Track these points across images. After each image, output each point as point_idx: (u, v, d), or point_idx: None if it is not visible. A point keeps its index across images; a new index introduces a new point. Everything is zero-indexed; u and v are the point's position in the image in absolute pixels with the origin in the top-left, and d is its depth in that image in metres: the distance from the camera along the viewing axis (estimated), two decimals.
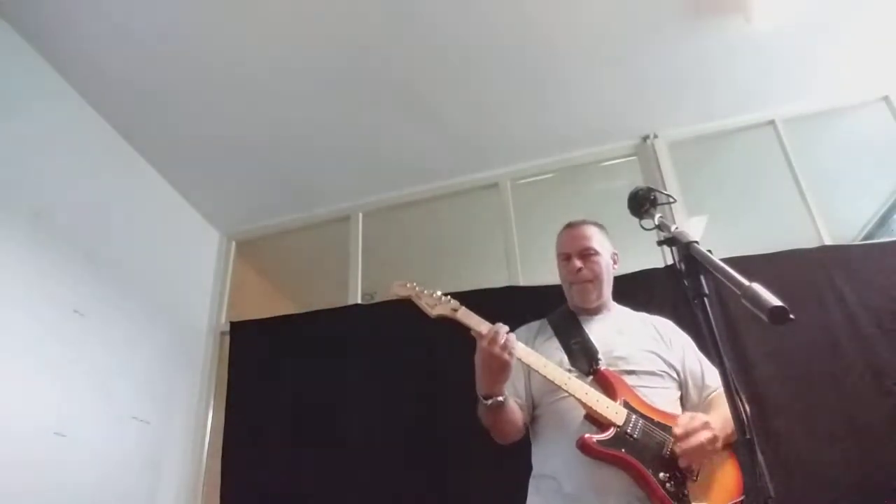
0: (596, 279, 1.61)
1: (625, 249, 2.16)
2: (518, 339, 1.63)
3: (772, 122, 2.70)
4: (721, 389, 1.47)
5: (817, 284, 2.17)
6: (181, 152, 2.67)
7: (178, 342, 2.71)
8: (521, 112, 2.62)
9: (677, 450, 1.30)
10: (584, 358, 1.50)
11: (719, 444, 1.32)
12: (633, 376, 1.46)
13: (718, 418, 1.35)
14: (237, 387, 2.69)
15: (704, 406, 1.50)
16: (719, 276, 0.93)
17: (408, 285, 1.57)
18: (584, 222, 1.70)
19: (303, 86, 2.40)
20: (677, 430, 1.32)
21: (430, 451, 2.26)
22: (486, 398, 1.40)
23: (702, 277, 1.00)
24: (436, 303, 1.52)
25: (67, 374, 2.01)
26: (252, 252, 3.32)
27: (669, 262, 2.26)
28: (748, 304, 0.85)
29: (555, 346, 1.56)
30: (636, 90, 2.55)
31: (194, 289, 2.96)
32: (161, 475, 2.42)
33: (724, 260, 0.95)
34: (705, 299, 0.99)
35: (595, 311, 1.64)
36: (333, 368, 2.55)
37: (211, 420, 2.75)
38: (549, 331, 1.64)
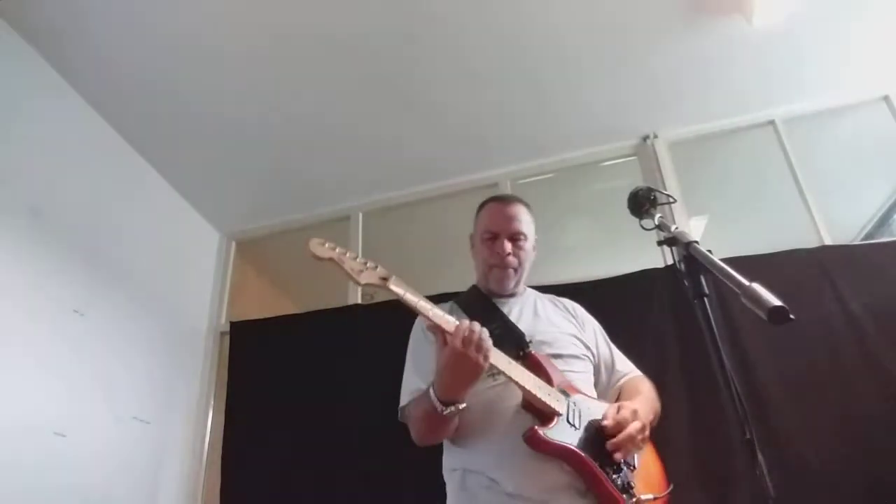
0: (520, 267, 1.51)
1: (625, 249, 2.16)
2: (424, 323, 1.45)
3: (772, 122, 2.71)
4: (632, 375, 1.49)
5: (817, 284, 2.17)
6: (181, 152, 2.67)
7: (178, 342, 2.71)
8: (521, 112, 2.62)
9: (609, 445, 1.22)
10: (510, 343, 1.35)
11: (647, 433, 1.28)
12: (560, 360, 1.38)
13: (640, 404, 1.32)
14: (237, 387, 2.69)
15: (614, 393, 1.46)
16: (719, 275, 0.93)
17: (326, 245, 1.28)
18: (515, 200, 1.58)
19: (303, 85, 2.40)
20: (607, 423, 1.25)
21: (430, 451, 2.26)
22: (446, 404, 1.20)
23: (702, 277, 0.99)
24: (361, 268, 1.26)
25: (67, 374, 2.01)
26: (252, 252, 3.32)
27: (669, 262, 2.26)
28: (748, 304, 0.85)
29: None
30: (636, 90, 2.55)
31: (194, 289, 2.96)
32: (161, 475, 2.42)
33: (724, 260, 0.95)
34: (705, 299, 0.99)
35: (508, 294, 1.54)
36: (333, 368, 2.55)
37: (211, 420, 2.75)
38: (463, 316, 1.41)
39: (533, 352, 1.36)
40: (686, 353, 2.12)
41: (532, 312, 1.51)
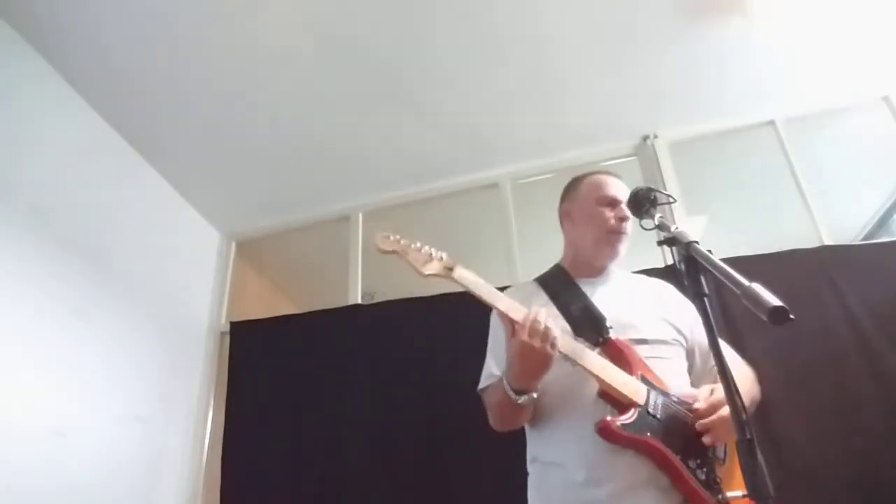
0: (627, 240, 1.49)
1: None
2: None
3: (772, 122, 2.70)
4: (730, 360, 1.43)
5: (817, 284, 2.17)
6: (181, 152, 2.67)
7: (178, 342, 2.71)
8: (521, 112, 2.62)
9: (699, 426, 1.17)
10: (589, 326, 1.32)
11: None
12: (645, 346, 1.31)
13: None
14: (237, 387, 2.69)
15: (710, 378, 1.36)
16: (719, 275, 0.93)
17: (392, 238, 1.35)
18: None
19: (303, 85, 2.40)
20: (699, 405, 1.20)
21: (430, 450, 2.26)
22: (519, 393, 1.21)
23: (702, 277, 0.99)
24: (426, 259, 1.30)
25: (67, 373, 2.01)
26: (252, 252, 3.32)
27: (669, 262, 2.25)
28: (748, 304, 0.85)
29: (552, 315, 1.34)
30: (636, 90, 2.55)
31: (194, 289, 2.96)
32: (161, 475, 2.42)
33: (724, 260, 0.95)
34: (705, 299, 0.99)
35: (596, 273, 1.50)
36: (333, 368, 2.55)
37: (211, 420, 2.75)
38: (544, 296, 1.46)
39: (614, 338, 1.30)
40: None
41: (619, 294, 1.45)
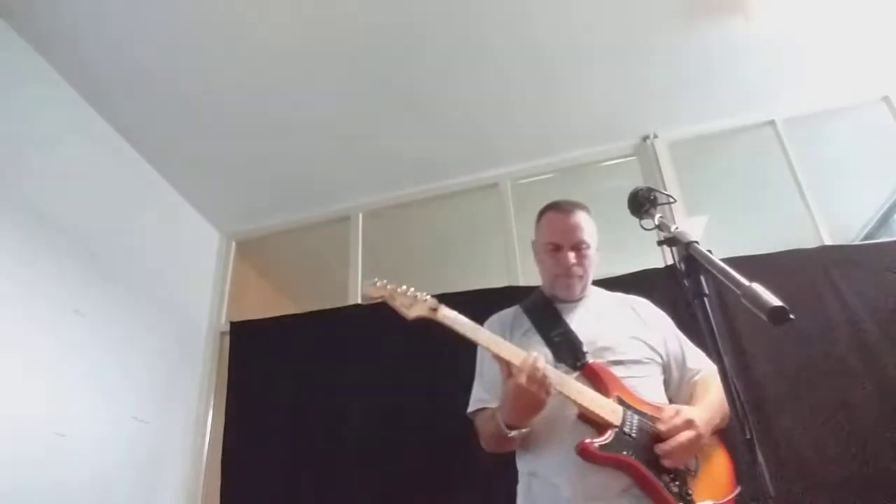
0: (585, 274, 1.53)
1: (625, 249, 2.16)
2: (492, 331, 1.52)
3: (772, 122, 2.70)
4: (704, 372, 1.48)
5: (817, 284, 2.17)
6: (181, 152, 2.67)
7: (178, 342, 2.71)
8: (521, 112, 2.62)
9: (658, 450, 1.25)
10: (569, 352, 1.41)
11: (703, 441, 1.28)
12: (621, 367, 1.40)
13: (703, 410, 1.32)
14: (237, 387, 2.68)
15: (688, 390, 1.46)
16: (719, 276, 0.93)
17: (378, 284, 1.43)
18: (576, 207, 1.56)
19: (303, 85, 2.40)
20: (661, 427, 1.27)
21: (430, 450, 2.26)
22: (511, 429, 1.31)
23: (702, 277, 0.99)
24: (412, 302, 1.39)
25: (67, 373, 2.01)
26: (252, 252, 3.32)
27: (669, 262, 2.25)
28: (748, 304, 0.85)
29: (535, 341, 1.46)
30: (636, 90, 2.55)
31: (194, 289, 2.96)
32: (161, 475, 2.42)
33: (724, 260, 0.95)
34: (705, 299, 0.99)
35: (571, 298, 1.56)
36: (333, 368, 2.55)
37: (211, 420, 2.75)
38: (527, 322, 1.54)
39: (591, 361, 1.38)
40: None
41: (595, 317, 1.52)
